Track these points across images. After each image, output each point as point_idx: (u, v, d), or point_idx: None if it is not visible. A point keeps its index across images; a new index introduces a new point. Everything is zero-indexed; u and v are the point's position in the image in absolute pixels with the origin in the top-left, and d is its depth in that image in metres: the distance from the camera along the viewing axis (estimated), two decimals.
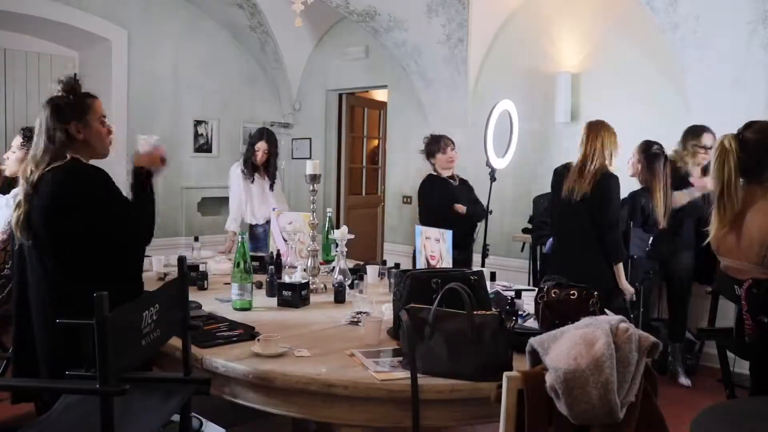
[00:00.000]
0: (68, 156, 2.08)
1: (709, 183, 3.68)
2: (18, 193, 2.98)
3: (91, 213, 2.03)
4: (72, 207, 2.02)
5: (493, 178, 4.84)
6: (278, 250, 3.42)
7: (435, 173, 4.18)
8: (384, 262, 3.67)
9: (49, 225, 2.03)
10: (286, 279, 2.76)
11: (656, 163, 3.68)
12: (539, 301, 2.16)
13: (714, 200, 2.36)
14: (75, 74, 2.22)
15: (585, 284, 2.17)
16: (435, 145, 4.19)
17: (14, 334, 2.25)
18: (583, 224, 3.37)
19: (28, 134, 3.05)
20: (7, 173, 3.17)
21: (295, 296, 2.60)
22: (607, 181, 3.32)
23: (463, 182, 4.30)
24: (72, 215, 2.02)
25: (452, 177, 4.21)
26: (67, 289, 2.02)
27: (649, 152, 3.71)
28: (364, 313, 2.38)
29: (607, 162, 3.36)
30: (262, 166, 4.54)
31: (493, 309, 2.08)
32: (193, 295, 2.60)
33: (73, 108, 2.12)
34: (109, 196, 2.09)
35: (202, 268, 3.04)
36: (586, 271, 3.14)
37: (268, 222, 4.30)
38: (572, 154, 4.43)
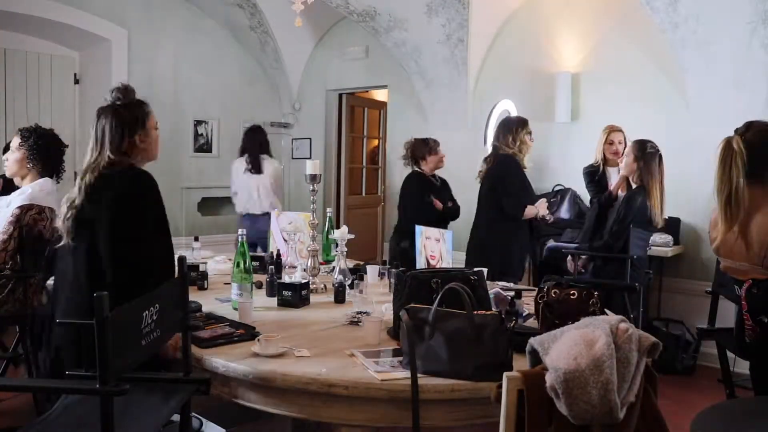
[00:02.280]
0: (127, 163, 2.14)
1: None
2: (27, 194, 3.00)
3: (149, 220, 2.10)
4: (137, 209, 2.07)
5: None
6: (278, 250, 3.42)
7: (420, 170, 4.44)
8: (384, 262, 3.67)
9: (110, 223, 2.04)
10: (286, 279, 2.76)
11: (652, 163, 3.68)
12: (539, 301, 2.15)
13: (719, 203, 2.32)
14: (127, 84, 2.27)
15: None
16: (424, 147, 4.43)
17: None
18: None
19: (25, 135, 3.05)
20: (7, 174, 3.16)
21: (295, 296, 2.60)
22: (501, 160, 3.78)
23: (444, 182, 4.52)
24: (135, 217, 2.06)
25: (434, 176, 4.45)
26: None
27: (645, 151, 3.71)
28: (364, 313, 2.38)
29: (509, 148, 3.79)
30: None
31: (493, 309, 2.08)
32: (193, 295, 2.60)
33: (137, 118, 2.18)
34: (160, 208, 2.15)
35: (202, 268, 3.04)
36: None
37: (266, 214, 4.65)
38: (573, 154, 4.46)
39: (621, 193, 4.04)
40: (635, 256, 3.70)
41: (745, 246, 2.29)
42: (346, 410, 1.79)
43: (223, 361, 1.92)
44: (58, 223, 2.14)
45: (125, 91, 2.20)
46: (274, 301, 2.67)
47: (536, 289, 2.44)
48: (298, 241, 3.27)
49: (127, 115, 2.16)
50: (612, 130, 4.21)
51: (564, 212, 4.79)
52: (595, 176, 4.21)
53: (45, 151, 3.04)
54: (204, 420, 2.71)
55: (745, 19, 3.87)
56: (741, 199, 2.25)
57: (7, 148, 3.17)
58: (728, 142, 2.29)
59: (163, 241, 2.15)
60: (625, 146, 4.08)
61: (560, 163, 5.01)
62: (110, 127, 2.13)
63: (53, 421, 1.78)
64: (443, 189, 4.44)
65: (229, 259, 3.32)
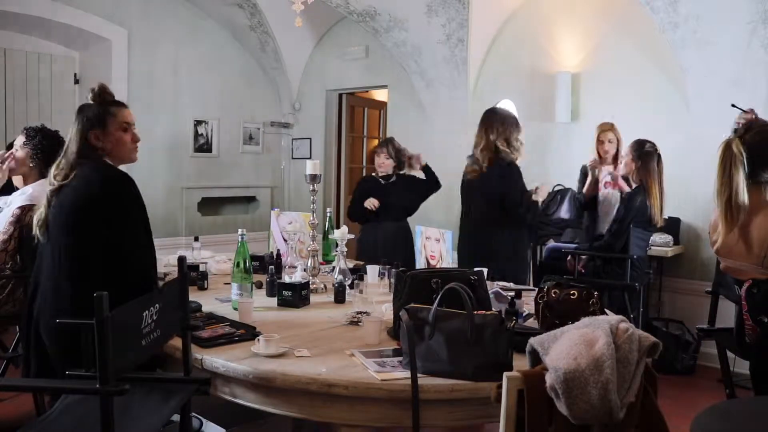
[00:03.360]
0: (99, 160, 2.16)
1: None
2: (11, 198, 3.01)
3: (112, 215, 2.07)
4: (90, 208, 2.06)
5: None
6: (278, 250, 3.42)
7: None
8: (384, 262, 3.68)
9: (71, 220, 2.06)
10: (286, 279, 2.76)
11: (651, 162, 3.69)
12: (539, 301, 2.15)
13: (720, 206, 2.32)
14: (103, 84, 2.29)
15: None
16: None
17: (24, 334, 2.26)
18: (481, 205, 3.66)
19: (31, 134, 3.05)
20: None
21: (295, 296, 2.60)
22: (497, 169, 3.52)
23: (399, 178, 4.52)
24: (95, 212, 2.05)
25: (386, 177, 4.48)
26: (74, 290, 2.03)
27: (643, 151, 3.72)
28: (364, 313, 2.38)
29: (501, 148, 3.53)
30: None
31: (494, 309, 2.07)
32: (193, 295, 2.60)
33: (95, 117, 2.17)
34: (129, 203, 2.13)
35: (202, 268, 3.04)
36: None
37: None
38: (572, 154, 4.46)
39: (611, 191, 4.07)
40: (635, 256, 3.70)
41: (746, 246, 2.29)
42: (346, 410, 1.79)
43: (223, 361, 1.92)
44: (34, 225, 2.16)
45: (98, 90, 2.22)
46: (274, 301, 2.67)
47: (536, 289, 2.44)
48: (298, 241, 3.27)
49: (86, 114, 2.18)
50: (603, 129, 4.19)
51: (564, 212, 4.79)
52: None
53: (49, 152, 3.03)
54: (204, 420, 2.71)
55: (745, 19, 3.88)
56: (742, 201, 2.24)
57: (9, 147, 3.17)
58: (728, 144, 2.29)
59: (126, 242, 2.10)
60: (618, 144, 4.12)
61: (560, 163, 5.00)
62: (74, 126, 2.17)
63: (53, 421, 1.78)
64: (396, 186, 4.47)
65: (229, 259, 3.32)
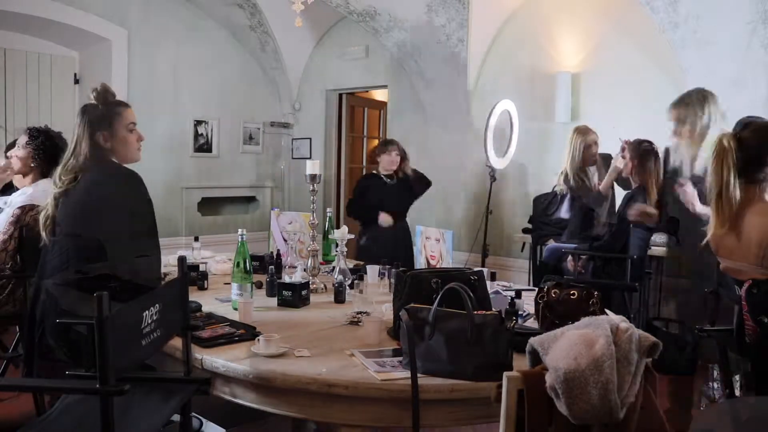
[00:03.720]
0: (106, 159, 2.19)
1: None
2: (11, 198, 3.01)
3: (118, 215, 2.11)
4: (103, 206, 2.10)
5: (493, 178, 4.85)
6: (278, 250, 3.42)
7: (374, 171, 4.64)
8: (384, 262, 3.68)
9: (78, 222, 2.09)
10: (286, 279, 2.76)
11: (649, 161, 3.68)
12: (539, 301, 2.15)
13: (711, 200, 2.36)
14: (105, 84, 2.34)
15: None
16: (379, 148, 4.65)
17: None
18: None
19: (34, 134, 3.05)
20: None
21: (295, 296, 2.60)
22: None
23: (403, 180, 4.56)
24: (102, 214, 2.09)
25: (390, 177, 4.54)
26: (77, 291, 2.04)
27: (640, 150, 3.71)
28: (364, 313, 2.38)
29: None
30: None
31: (494, 309, 2.08)
32: (193, 295, 2.60)
33: (102, 118, 2.20)
34: (136, 201, 2.17)
35: (202, 268, 3.04)
36: None
37: None
38: None
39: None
40: (635, 256, 3.70)
41: (745, 247, 2.29)
42: (346, 410, 1.79)
43: (223, 361, 1.92)
44: (41, 225, 2.19)
45: (101, 91, 2.24)
46: (274, 301, 2.67)
47: (536, 289, 2.44)
48: (298, 241, 3.27)
49: (93, 114, 2.20)
50: (587, 132, 4.07)
51: (564, 212, 4.78)
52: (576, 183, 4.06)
53: (51, 153, 3.04)
54: (204, 420, 2.71)
55: (745, 19, 3.87)
56: (731, 195, 2.28)
57: (10, 147, 3.18)
58: (720, 140, 2.32)
59: (137, 243, 2.16)
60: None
61: (560, 163, 4.99)
62: (79, 127, 2.19)
63: (53, 421, 1.78)
64: (398, 187, 4.52)
65: (229, 259, 3.32)
